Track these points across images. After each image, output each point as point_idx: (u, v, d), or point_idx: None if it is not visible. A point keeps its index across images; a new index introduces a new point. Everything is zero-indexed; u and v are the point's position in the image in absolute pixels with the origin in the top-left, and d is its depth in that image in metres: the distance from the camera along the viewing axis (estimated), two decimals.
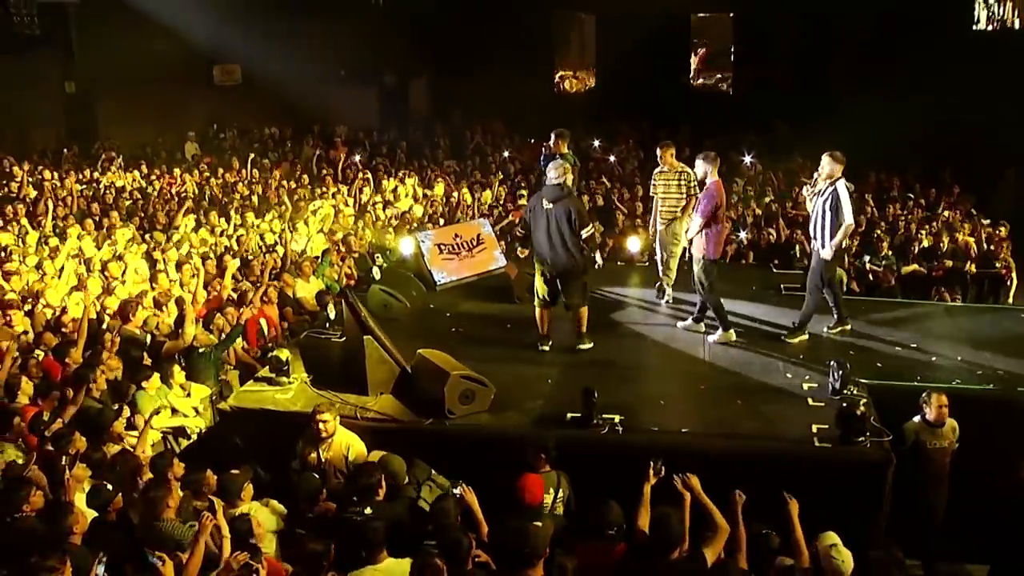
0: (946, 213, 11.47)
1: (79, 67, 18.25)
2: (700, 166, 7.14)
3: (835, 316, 7.39)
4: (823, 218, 6.90)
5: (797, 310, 7.48)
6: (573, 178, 7.09)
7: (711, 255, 7.12)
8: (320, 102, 18.77)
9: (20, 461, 5.46)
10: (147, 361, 7.41)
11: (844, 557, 4.41)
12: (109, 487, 5.22)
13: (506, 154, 16.08)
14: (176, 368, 7.16)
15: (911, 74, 14.29)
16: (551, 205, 6.80)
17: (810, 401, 6.21)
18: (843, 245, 7.21)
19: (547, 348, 7.18)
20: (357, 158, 14.92)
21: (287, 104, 18.53)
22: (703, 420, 6.02)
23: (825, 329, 7.40)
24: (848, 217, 6.82)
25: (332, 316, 7.67)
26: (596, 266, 7.08)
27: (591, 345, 7.17)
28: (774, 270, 9.36)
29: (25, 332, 7.63)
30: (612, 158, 15.16)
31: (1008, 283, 9.39)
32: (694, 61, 21.15)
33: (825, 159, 6.87)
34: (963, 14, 16.22)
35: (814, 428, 5.79)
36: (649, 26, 18.54)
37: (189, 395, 7.16)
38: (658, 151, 8.07)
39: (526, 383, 6.51)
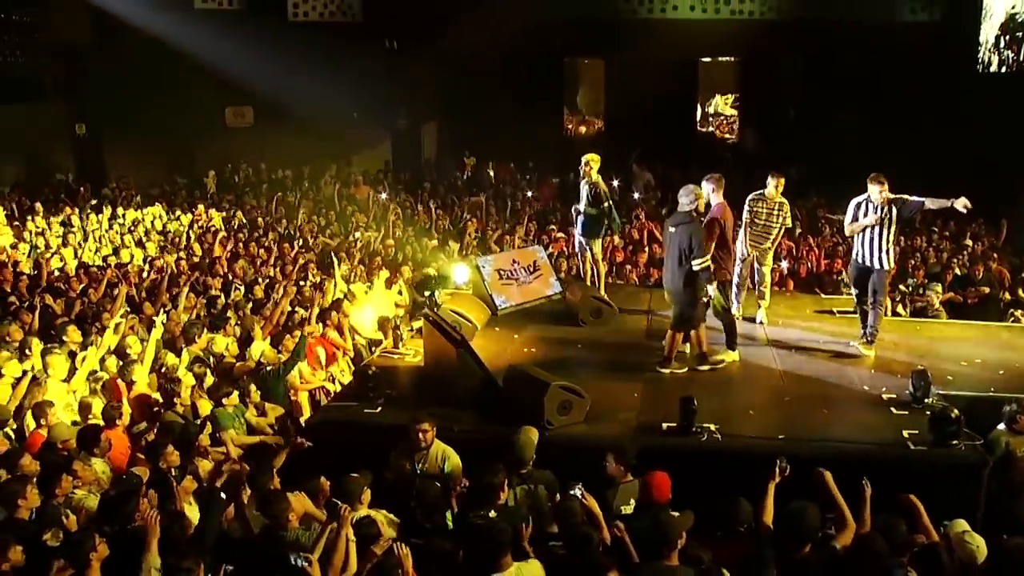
0: (969, 243, 11.79)
1: (90, 110, 18.32)
2: (705, 188, 7.29)
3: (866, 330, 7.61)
4: (887, 233, 7.20)
5: (856, 328, 7.71)
6: (707, 203, 7.01)
7: (723, 277, 7.24)
8: (333, 144, 18.98)
9: (142, 475, 5.47)
10: (209, 381, 7.41)
11: (978, 543, 4.44)
12: (223, 495, 5.22)
13: (529, 193, 16.35)
14: (252, 387, 7.17)
15: (918, 111, 14.74)
16: (674, 229, 6.88)
17: (893, 410, 6.34)
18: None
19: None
20: (384, 196, 15.05)
21: (299, 146, 18.72)
22: (794, 427, 6.12)
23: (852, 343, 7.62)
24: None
25: (404, 337, 7.84)
26: (707, 298, 6.94)
27: (678, 371, 7.10)
28: (822, 296, 9.56)
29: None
30: (636, 195, 15.44)
31: None
32: (700, 106, 21.70)
33: (877, 187, 7.16)
34: (970, 53, 16.70)
35: (905, 433, 5.92)
36: (656, 71, 19.04)
37: (264, 414, 7.16)
38: (770, 179, 8.13)
39: (613, 396, 6.56)
